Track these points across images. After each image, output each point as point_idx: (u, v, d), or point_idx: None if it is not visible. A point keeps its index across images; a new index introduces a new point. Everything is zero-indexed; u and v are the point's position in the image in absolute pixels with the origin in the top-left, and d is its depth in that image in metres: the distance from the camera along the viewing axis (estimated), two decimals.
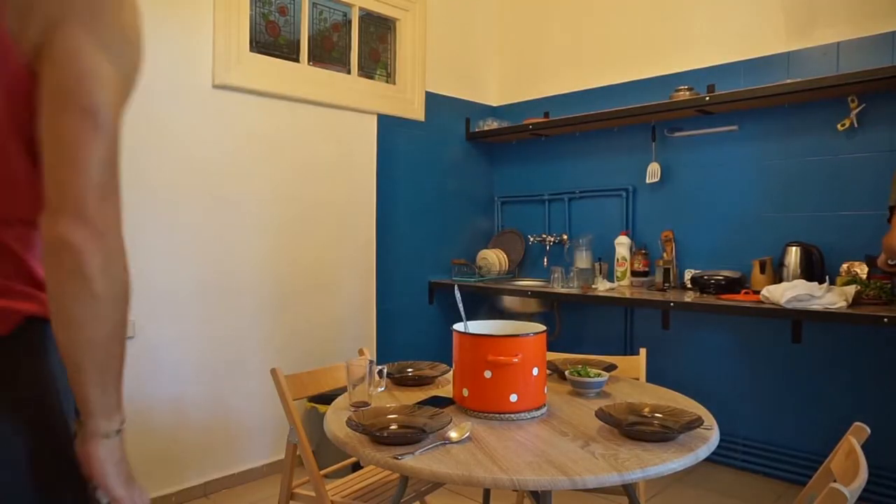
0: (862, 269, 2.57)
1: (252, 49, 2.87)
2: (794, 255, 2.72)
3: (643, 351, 2.05)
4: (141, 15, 0.81)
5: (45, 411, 0.84)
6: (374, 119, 3.36)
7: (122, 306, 0.79)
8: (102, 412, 0.80)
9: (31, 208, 0.80)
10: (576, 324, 3.61)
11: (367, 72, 3.42)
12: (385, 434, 1.28)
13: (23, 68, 0.75)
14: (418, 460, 1.17)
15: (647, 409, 1.41)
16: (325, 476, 1.76)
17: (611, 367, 1.82)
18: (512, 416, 1.41)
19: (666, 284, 3.07)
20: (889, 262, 2.19)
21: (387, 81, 3.52)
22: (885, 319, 2.18)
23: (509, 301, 3.56)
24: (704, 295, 2.81)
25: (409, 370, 1.84)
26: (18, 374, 0.82)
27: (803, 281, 2.52)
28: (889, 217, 2.09)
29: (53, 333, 0.78)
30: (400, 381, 1.77)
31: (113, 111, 0.76)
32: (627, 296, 2.90)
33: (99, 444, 0.81)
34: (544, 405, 1.49)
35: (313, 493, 1.67)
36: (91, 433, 0.80)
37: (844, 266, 2.63)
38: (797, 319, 2.50)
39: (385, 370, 1.71)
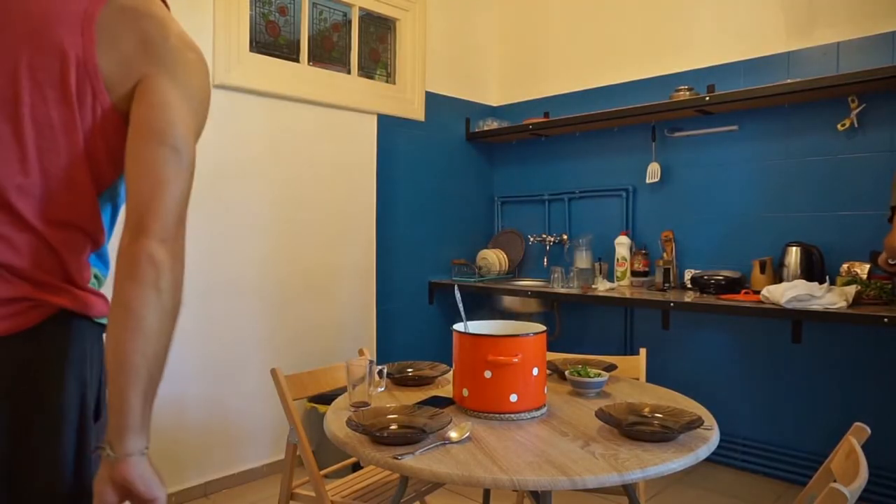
0: (862, 269, 2.57)
1: (252, 49, 2.87)
2: (794, 255, 2.72)
3: (643, 351, 2.05)
4: (209, 77, 0.98)
5: (64, 395, 0.90)
6: (374, 119, 3.36)
7: (175, 324, 0.88)
8: (139, 425, 0.84)
9: (83, 218, 0.93)
10: (576, 324, 3.61)
11: (367, 72, 3.42)
12: (385, 434, 1.28)
13: (110, 106, 0.89)
14: (418, 460, 1.17)
15: (647, 409, 1.41)
16: (325, 476, 1.76)
17: (611, 367, 1.82)
18: (512, 416, 1.41)
19: (666, 284, 3.07)
20: (889, 261, 2.19)
21: (387, 81, 3.52)
22: (886, 319, 2.18)
23: (509, 301, 3.56)
24: (704, 295, 2.81)
25: (409, 370, 1.84)
26: (47, 358, 0.89)
27: (803, 281, 2.52)
28: (890, 217, 2.09)
29: (112, 338, 0.83)
30: (400, 381, 1.77)
31: (189, 141, 0.90)
32: (627, 296, 2.90)
33: (132, 462, 0.83)
34: (544, 405, 1.49)
35: (313, 493, 1.67)
36: (124, 451, 0.82)
37: (844, 266, 2.63)
38: (797, 319, 2.50)
39: (385, 370, 1.71)
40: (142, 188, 0.86)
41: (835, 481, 1.13)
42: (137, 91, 0.89)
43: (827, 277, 2.60)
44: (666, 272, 3.09)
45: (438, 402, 1.53)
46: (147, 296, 0.83)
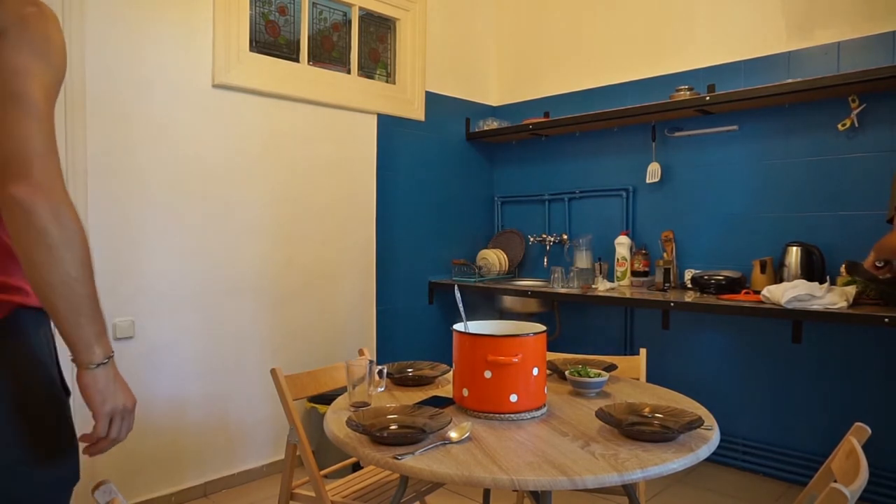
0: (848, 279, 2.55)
1: (252, 49, 2.87)
2: (794, 255, 2.72)
3: (643, 351, 2.04)
4: (59, 25, 1.00)
5: (24, 384, 0.98)
6: (374, 119, 3.36)
7: (78, 250, 0.93)
8: (81, 346, 0.95)
9: None
10: (576, 324, 3.61)
11: (366, 72, 3.42)
12: (385, 434, 1.28)
13: None
14: (418, 460, 1.17)
15: (647, 409, 1.41)
16: (325, 476, 1.76)
17: (611, 367, 1.82)
18: (512, 416, 1.41)
19: (666, 284, 3.07)
20: (877, 263, 2.18)
21: (387, 81, 3.52)
22: (886, 319, 2.18)
23: (509, 301, 3.56)
24: (705, 295, 2.81)
25: (409, 370, 1.84)
26: (4, 353, 0.97)
27: (804, 281, 2.52)
28: (890, 218, 2.09)
29: (30, 283, 0.92)
30: (400, 381, 1.77)
31: (42, 96, 0.92)
32: (627, 296, 2.90)
33: (83, 374, 0.97)
34: (544, 405, 1.49)
35: (313, 493, 1.67)
36: (77, 365, 0.97)
37: (843, 267, 2.63)
38: (797, 319, 2.50)
39: (385, 370, 1.71)
40: (2, 148, 0.90)
41: (835, 481, 1.13)
42: None
43: (827, 277, 2.60)
44: (666, 272, 3.09)
45: (438, 402, 1.53)
46: (25, 237, 0.89)
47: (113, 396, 0.99)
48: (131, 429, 1.04)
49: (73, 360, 0.97)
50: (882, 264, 2.17)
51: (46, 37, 0.96)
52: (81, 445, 1.02)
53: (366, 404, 1.52)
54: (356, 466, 2.00)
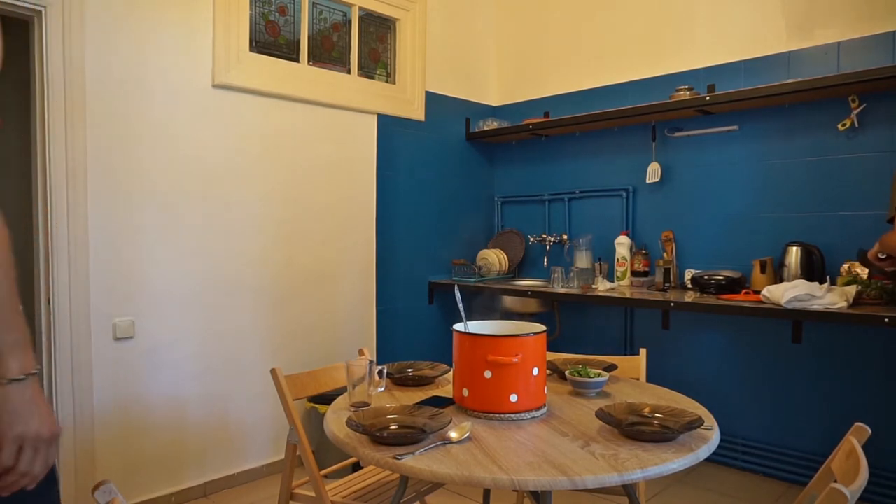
0: (863, 270, 2.56)
1: (252, 49, 2.87)
2: (794, 255, 2.72)
3: (643, 351, 2.04)
4: None
5: None
6: (374, 119, 3.36)
7: None
8: None
9: None
10: (576, 324, 3.61)
11: (366, 72, 3.42)
12: (385, 434, 1.28)
13: None
14: (418, 460, 1.17)
15: (647, 409, 1.41)
16: (325, 476, 1.76)
17: (611, 367, 1.82)
18: (512, 416, 1.41)
19: (666, 284, 3.07)
20: (879, 255, 2.19)
21: (387, 81, 3.52)
22: (886, 319, 2.18)
23: (509, 301, 3.56)
24: (705, 295, 2.81)
25: (409, 370, 1.84)
26: None
27: (804, 281, 2.52)
28: (890, 218, 2.09)
29: None
30: (400, 381, 1.77)
31: None
32: (627, 296, 2.90)
33: None
34: (544, 405, 1.49)
35: (313, 493, 1.67)
36: None
37: (845, 266, 2.63)
38: (797, 320, 2.50)
39: (385, 370, 1.71)
40: None
41: (835, 481, 1.13)
42: None
43: (827, 277, 2.60)
44: (666, 272, 3.09)
45: (438, 402, 1.53)
46: None
47: (26, 420, 0.84)
48: (49, 466, 0.88)
49: None
50: (884, 257, 2.18)
51: None
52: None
53: (366, 404, 1.52)
54: (356, 466, 2.00)
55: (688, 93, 2.97)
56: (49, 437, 0.86)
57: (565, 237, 3.67)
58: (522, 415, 1.42)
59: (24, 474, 0.85)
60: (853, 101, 2.64)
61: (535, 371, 1.43)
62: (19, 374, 0.84)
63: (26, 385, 0.85)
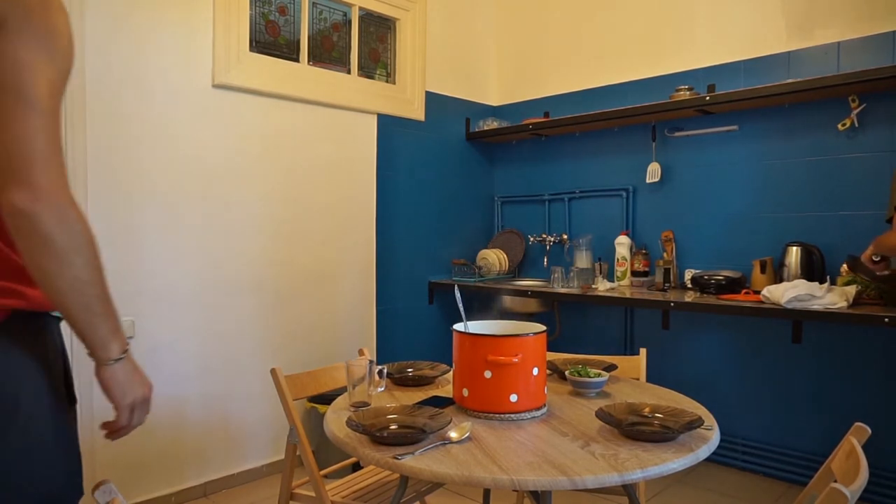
0: (849, 275, 2.55)
1: (252, 49, 2.87)
2: (794, 255, 2.72)
3: (643, 351, 2.04)
4: (66, 13, 0.93)
5: (21, 396, 0.94)
6: (374, 119, 3.36)
7: (87, 252, 0.91)
8: (97, 344, 0.96)
9: None
10: (576, 324, 3.61)
11: (366, 72, 3.42)
12: (385, 434, 1.27)
13: None
14: (418, 460, 1.17)
15: (647, 409, 1.41)
16: (325, 476, 1.76)
17: (611, 367, 1.82)
18: (512, 416, 1.41)
19: (666, 284, 3.07)
20: (874, 258, 2.19)
21: (387, 81, 3.52)
22: (886, 319, 2.18)
23: (509, 301, 3.56)
24: (704, 295, 2.81)
25: (409, 370, 1.84)
26: (7, 362, 0.93)
27: (804, 281, 2.52)
28: (889, 218, 2.09)
29: (40, 290, 0.90)
30: (400, 381, 1.77)
31: (46, 92, 0.87)
32: (627, 296, 2.90)
33: (102, 370, 0.98)
34: (544, 405, 1.49)
35: (313, 493, 1.67)
36: (96, 362, 0.98)
37: (845, 266, 2.63)
38: (797, 319, 2.50)
39: (385, 370, 1.71)
40: (0, 148, 0.85)
41: (835, 481, 1.13)
42: None
43: (827, 277, 2.60)
44: (666, 272, 3.09)
45: (438, 402, 1.53)
46: (31, 245, 0.86)
47: (132, 389, 1.01)
48: (149, 411, 1.07)
49: (91, 357, 0.97)
50: (878, 259, 2.18)
51: (52, 27, 0.89)
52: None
53: (366, 404, 1.52)
54: (356, 466, 2.00)
55: (688, 93, 2.97)
56: (149, 394, 1.06)
57: (565, 237, 3.67)
58: (522, 415, 1.42)
59: (135, 426, 1.05)
60: (853, 101, 2.64)
61: (535, 371, 1.43)
62: (119, 353, 0.99)
63: (125, 361, 1.00)
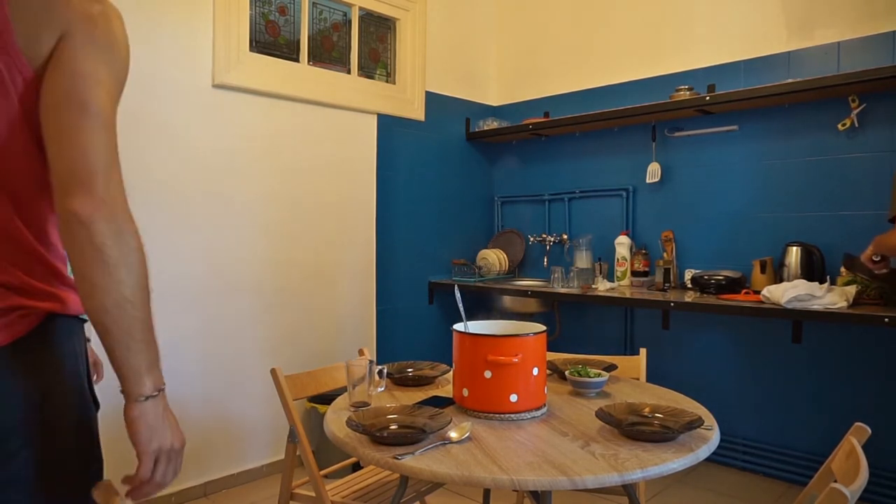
0: (848, 275, 2.55)
1: (252, 49, 2.87)
2: (794, 255, 2.72)
3: (643, 351, 2.04)
4: (124, 24, 0.95)
5: (54, 403, 0.92)
6: (374, 119, 3.36)
7: (137, 271, 0.88)
8: (131, 375, 0.88)
9: (40, 195, 0.91)
10: (576, 324, 3.61)
11: (366, 72, 3.42)
12: (385, 434, 1.27)
13: (32, 74, 0.87)
14: (418, 460, 1.17)
15: (647, 409, 1.41)
16: (325, 476, 1.76)
17: (611, 367, 1.82)
18: (512, 416, 1.41)
19: (666, 284, 3.07)
20: (874, 257, 2.19)
21: (387, 81, 3.52)
22: (886, 319, 2.18)
23: (509, 301, 3.56)
24: (705, 295, 2.81)
25: (409, 370, 1.84)
26: (37, 367, 0.92)
27: (804, 281, 2.52)
28: (891, 219, 2.09)
29: (82, 304, 0.87)
30: (400, 381, 1.77)
31: (107, 103, 0.88)
32: (627, 296, 2.90)
33: (131, 406, 0.89)
34: (544, 405, 1.48)
35: (313, 493, 1.67)
36: (126, 396, 0.89)
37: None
38: (797, 319, 2.50)
39: (385, 370, 1.71)
40: (57, 150, 0.86)
41: (835, 481, 1.13)
42: (51, 59, 0.87)
43: (827, 277, 2.60)
44: (666, 272, 3.09)
45: (438, 402, 1.53)
46: (84, 254, 0.84)
47: (161, 434, 0.91)
48: (178, 472, 0.95)
49: (122, 391, 0.89)
50: (878, 258, 2.18)
51: (113, 39, 0.91)
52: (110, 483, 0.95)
53: (366, 404, 1.52)
54: (356, 466, 2.00)
55: (688, 93, 2.97)
56: (180, 447, 0.94)
57: (565, 237, 3.67)
58: (522, 415, 1.42)
59: (159, 485, 0.92)
60: (853, 101, 2.64)
61: (535, 371, 1.43)
62: (153, 390, 0.90)
63: (158, 400, 0.91)
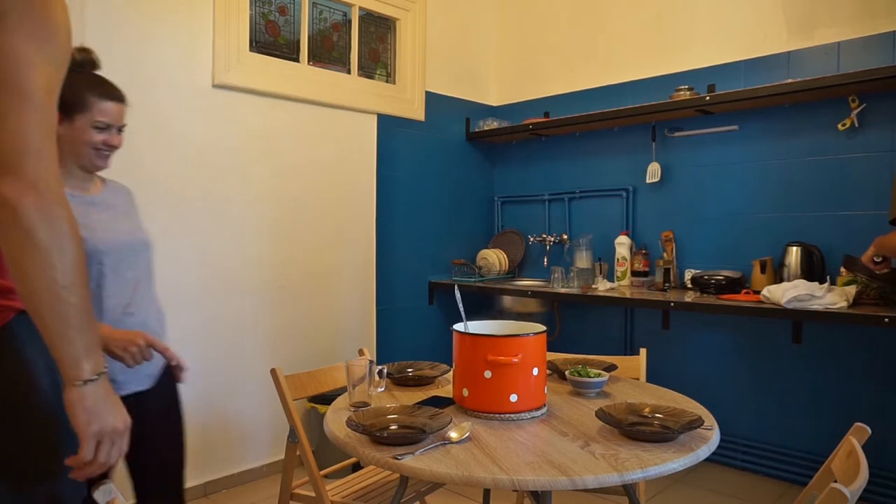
0: (848, 275, 2.55)
1: (252, 49, 2.87)
2: (794, 255, 2.72)
3: (643, 351, 2.04)
4: (67, 9, 0.91)
5: (19, 396, 0.94)
6: (374, 119, 3.36)
7: (71, 255, 0.86)
8: (68, 360, 0.88)
9: None
10: (576, 324, 3.61)
11: (366, 72, 3.42)
12: (385, 434, 1.27)
13: None
14: (418, 460, 1.17)
15: (647, 410, 1.41)
16: (325, 476, 1.76)
17: (611, 367, 1.81)
18: (512, 416, 1.41)
19: (666, 284, 3.07)
20: (875, 258, 2.19)
21: (387, 81, 3.52)
22: (886, 319, 2.18)
23: (509, 301, 3.56)
24: (705, 295, 2.81)
25: (409, 370, 1.84)
26: (13, 358, 0.94)
27: (804, 281, 2.52)
28: (892, 220, 2.09)
29: (17, 290, 0.86)
30: (400, 381, 1.77)
31: (42, 87, 0.85)
32: (627, 296, 2.90)
33: (70, 391, 0.89)
34: (544, 405, 1.48)
35: (313, 493, 1.67)
36: (65, 381, 0.89)
37: None
38: (797, 320, 2.50)
39: (385, 370, 1.71)
40: None
41: (835, 481, 1.13)
42: None
43: (827, 277, 2.60)
44: (666, 272, 3.09)
45: (438, 402, 1.53)
46: (12, 238, 0.83)
47: (102, 417, 0.91)
48: (123, 453, 0.96)
49: (61, 375, 0.90)
50: (880, 259, 2.18)
51: (51, 22, 0.87)
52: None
53: (366, 404, 1.52)
54: (356, 466, 2.00)
55: (688, 93, 2.97)
56: (123, 429, 0.94)
57: (565, 237, 3.67)
58: (522, 415, 1.42)
59: (103, 465, 0.93)
60: (853, 101, 2.64)
61: (535, 371, 1.43)
62: (93, 374, 0.90)
63: (99, 384, 0.91)
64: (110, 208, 1.59)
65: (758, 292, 2.63)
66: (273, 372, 1.72)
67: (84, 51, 1.54)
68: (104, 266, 1.47)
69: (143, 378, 1.52)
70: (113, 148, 1.52)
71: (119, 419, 0.94)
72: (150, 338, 1.41)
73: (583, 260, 3.45)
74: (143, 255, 1.63)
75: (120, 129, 1.54)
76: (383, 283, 3.44)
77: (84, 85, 1.50)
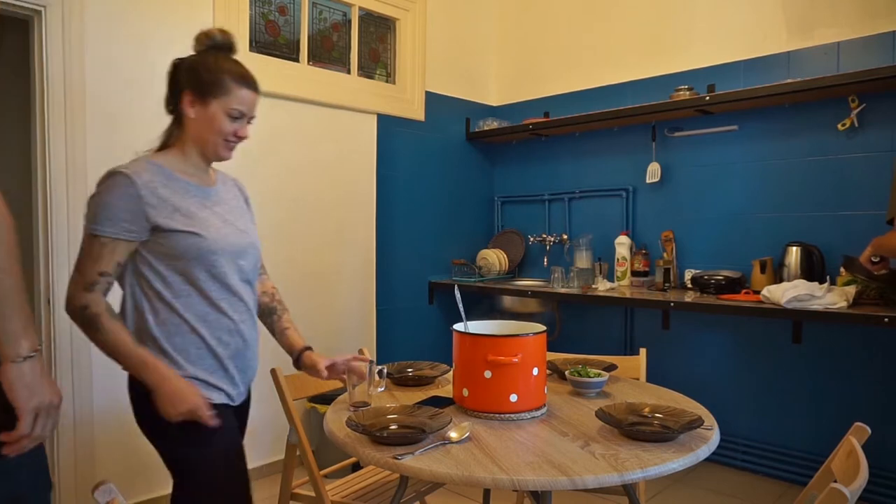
0: (847, 276, 2.55)
1: (252, 49, 2.87)
2: (794, 255, 2.72)
3: (643, 351, 2.04)
4: None
5: None
6: (374, 119, 3.36)
7: (5, 240, 0.89)
8: (7, 338, 0.92)
9: None
10: (576, 324, 3.61)
11: (366, 72, 3.42)
12: (385, 434, 1.27)
13: None
14: (418, 460, 1.17)
15: (647, 409, 1.41)
16: (325, 476, 1.76)
17: (611, 367, 1.82)
18: (512, 416, 1.41)
19: (666, 284, 3.07)
20: (872, 258, 2.19)
21: (387, 81, 3.52)
22: (886, 319, 2.18)
23: (509, 301, 3.56)
24: (704, 295, 2.81)
25: (409, 370, 1.84)
26: None
27: (804, 281, 2.52)
28: (890, 220, 2.09)
29: None
30: (400, 381, 1.77)
31: None
32: (627, 296, 2.90)
33: (9, 367, 0.93)
34: (544, 405, 1.48)
35: (313, 493, 1.67)
36: (3, 358, 0.93)
37: None
38: (797, 320, 2.50)
39: (385, 370, 1.71)
40: None
41: (835, 481, 1.13)
42: None
43: (827, 277, 2.60)
44: (666, 272, 3.09)
45: (438, 402, 1.53)
46: None
47: (40, 392, 0.96)
48: (56, 425, 1.00)
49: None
50: (878, 260, 2.18)
51: None
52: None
53: (366, 404, 1.52)
54: (356, 466, 2.00)
55: (688, 93, 2.97)
56: (58, 403, 0.99)
57: (565, 237, 3.67)
58: (522, 415, 1.42)
59: (38, 438, 0.97)
60: (853, 101, 2.64)
61: (535, 371, 1.43)
62: (30, 351, 0.94)
63: (35, 361, 0.95)
64: (224, 203, 1.50)
65: (758, 292, 2.63)
66: (273, 372, 1.72)
67: (224, 32, 1.44)
68: (216, 268, 1.40)
69: (245, 391, 1.55)
70: (241, 139, 1.44)
71: (54, 394, 0.98)
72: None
73: (583, 260, 3.45)
74: (251, 257, 1.53)
75: (250, 120, 1.46)
76: (383, 283, 3.44)
77: (223, 68, 1.39)
